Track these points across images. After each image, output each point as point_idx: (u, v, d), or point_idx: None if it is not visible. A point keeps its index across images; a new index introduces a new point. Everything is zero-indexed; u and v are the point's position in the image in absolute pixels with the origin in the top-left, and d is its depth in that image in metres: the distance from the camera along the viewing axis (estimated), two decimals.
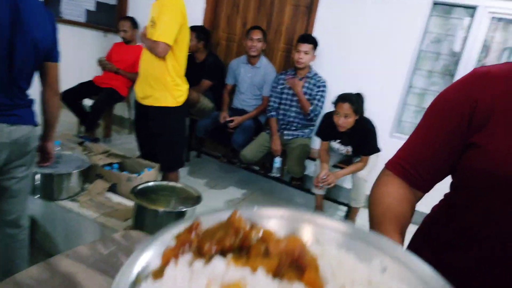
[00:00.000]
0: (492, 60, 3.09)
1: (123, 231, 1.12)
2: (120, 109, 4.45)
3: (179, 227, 0.48)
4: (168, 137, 2.49)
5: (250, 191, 3.50)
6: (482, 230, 0.73)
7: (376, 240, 0.50)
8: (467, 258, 0.76)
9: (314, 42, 3.14)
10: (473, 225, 0.74)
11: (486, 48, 3.07)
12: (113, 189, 2.15)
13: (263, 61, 3.46)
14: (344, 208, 3.27)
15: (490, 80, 0.71)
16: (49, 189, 1.96)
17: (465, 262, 0.76)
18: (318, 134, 2.96)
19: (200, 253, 0.44)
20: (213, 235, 0.45)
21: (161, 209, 1.71)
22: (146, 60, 2.38)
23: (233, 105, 3.59)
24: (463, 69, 3.10)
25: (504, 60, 3.06)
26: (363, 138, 2.75)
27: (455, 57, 3.17)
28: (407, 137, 3.28)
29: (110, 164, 2.30)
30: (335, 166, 3.01)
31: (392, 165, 0.83)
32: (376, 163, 2.95)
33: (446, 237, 0.81)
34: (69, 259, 0.93)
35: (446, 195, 0.87)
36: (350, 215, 3.00)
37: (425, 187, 0.82)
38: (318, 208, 3.07)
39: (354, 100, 2.63)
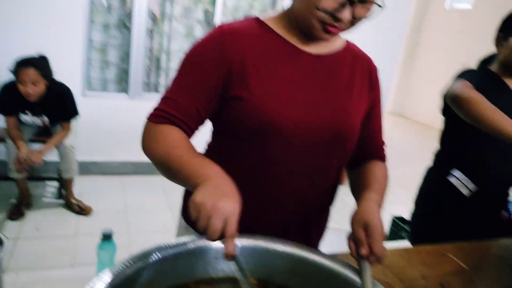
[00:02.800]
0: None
1: None
2: None
3: None
4: None
5: None
6: (256, 173, 0.84)
7: None
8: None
9: None
10: (247, 169, 0.84)
11: None
12: None
13: None
14: (55, 183, 2.96)
15: (238, 38, 0.80)
16: None
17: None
18: (0, 110, 2.43)
19: None
20: None
21: None
22: None
23: None
24: (137, 22, 3.25)
25: (168, 10, 3.43)
26: (60, 104, 2.49)
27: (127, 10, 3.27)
28: (100, 93, 3.25)
29: None
30: (31, 141, 2.61)
31: (160, 119, 0.79)
32: (77, 127, 2.78)
33: None
34: None
35: (210, 144, 0.94)
36: (65, 188, 2.75)
37: (191, 137, 0.84)
38: (24, 194, 2.64)
39: (39, 64, 2.30)
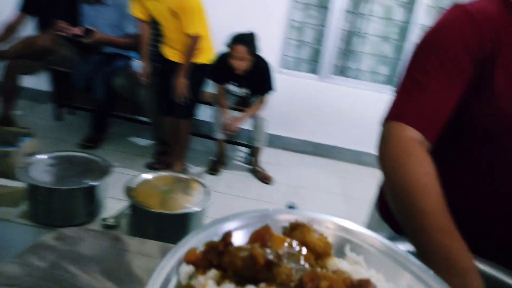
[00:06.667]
0: None
1: (55, 232, 0.87)
2: None
3: (202, 234, 0.45)
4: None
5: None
6: (485, 177, 0.71)
7: (404, 259, 0.47)
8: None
9: None
10: (475, 173, 0.71)
11: None
12: None
13: None
14: (244, 149, 3.30)
15: (490, 20, 0.65)
16: None
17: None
18: (212, 77, 2.81)
19: (227, 274, 0.38)
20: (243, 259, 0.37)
21: (63, 187, 1.42)
22: None
23: None
24: (337, 2, 3.24)
25: None
26: (260, 78, 2.72)
27: None
28: (293, 72, 3.27)
29: None
30: (231, 109, 2.95)
31: (415, 121, 0.65)
32: (270, 101, 2.99)
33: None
34: None
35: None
36: (253, 155, 3.05)
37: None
38: (221, 153, 3.03)
39: (249, 42, 2.56)
